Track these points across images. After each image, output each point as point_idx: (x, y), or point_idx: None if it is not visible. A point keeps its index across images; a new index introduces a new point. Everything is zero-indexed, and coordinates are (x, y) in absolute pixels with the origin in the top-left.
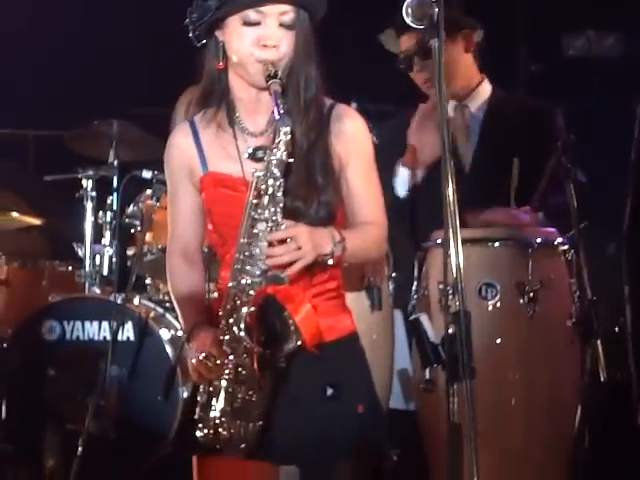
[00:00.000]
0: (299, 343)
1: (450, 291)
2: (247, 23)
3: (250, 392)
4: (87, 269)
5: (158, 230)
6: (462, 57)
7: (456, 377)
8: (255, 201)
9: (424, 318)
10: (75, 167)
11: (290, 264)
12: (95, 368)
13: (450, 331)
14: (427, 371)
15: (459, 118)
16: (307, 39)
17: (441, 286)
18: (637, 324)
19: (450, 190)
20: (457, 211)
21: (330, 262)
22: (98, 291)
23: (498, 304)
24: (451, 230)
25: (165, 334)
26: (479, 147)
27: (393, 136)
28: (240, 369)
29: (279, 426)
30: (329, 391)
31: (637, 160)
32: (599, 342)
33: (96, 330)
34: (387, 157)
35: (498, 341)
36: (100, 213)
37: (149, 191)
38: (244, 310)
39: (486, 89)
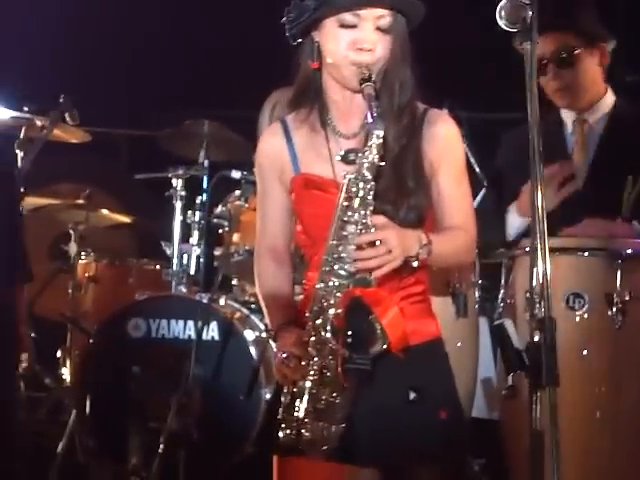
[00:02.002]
0: (385, 347)
1: (536, 298)
2: (343, 25)
3: (334, 394)
4: (174, 268)
5: (245, 231)
6: (595, 70)
7: (539, 384)
8: (345, 203)
9: (509, 323)
10: (166, 166)
11: (378, 267)
12: (179, 367)
13: (535, 338)
14: (510, 377)
15: (577, 132)
16: (403, 43)
17: (527, 294)
18: None
19: (539, 196)
20: (545, 218)
21: (415, 264)
22: (184, 290)
23: (586, 315)
24: (539, 237)
25: (250, 335)
26: (594, 163)
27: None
28: (325, 371)
29: (361, 429)
30: (412, 395)
31: None
32: None
33: (181, 329)
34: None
35: (585, 352)
36: (189, 213)
37: (237, 192)
38: (331, 312)
39: (608, 102)
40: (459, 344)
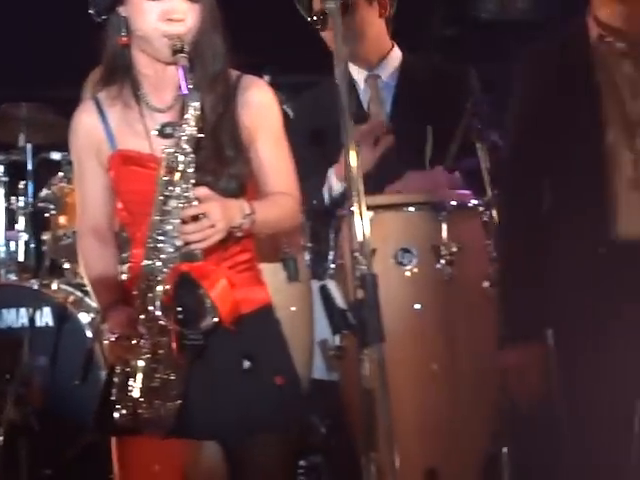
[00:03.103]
0: (216, 320)
1: (359, 256)
2: None
3: (168, 371)
4: (2, 256)
5: (72, 213)
6: (376, 21)
7: (366, 342)
8: (166, 178)
9: (331, 284)
10: None
11: (202, 240)
12: (14, 356)
13: (359, 296)
14: (337, 338)
15: (371, 89)
16: (212, 11)
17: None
18: None
19: (352, 156)
20: (360, 176)
21: (239, 234)
22: (14, 278)
23: (415, 269)
24: (356, 195)
25: (84, 318)
26: (392, 117)
27: (314, 105)
28: (157, 348)
29: (198, 403)
30: (246, 364)
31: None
32: None
33: (14, 317)
34: (306, 127)
35: (417, 307)
36: (12, 198)
37: (60, 174)
38: (159, 288)
39: (396, 56)
40: (293, 308)
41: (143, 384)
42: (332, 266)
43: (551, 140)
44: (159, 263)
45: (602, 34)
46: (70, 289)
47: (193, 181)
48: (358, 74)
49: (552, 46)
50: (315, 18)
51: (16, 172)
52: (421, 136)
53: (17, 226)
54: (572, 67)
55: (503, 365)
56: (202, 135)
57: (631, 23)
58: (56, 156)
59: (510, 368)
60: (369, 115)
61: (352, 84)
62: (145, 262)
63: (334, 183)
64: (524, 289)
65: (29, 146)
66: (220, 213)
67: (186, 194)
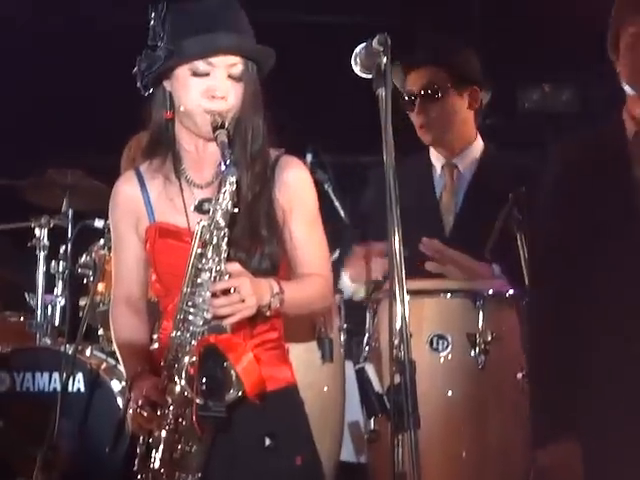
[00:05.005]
0: (240, 393)
1: (397, 341)
2: (196, 74)
3: (190, 443)
4: (38, 319)
5: (110, 280)
6: (463, 112)
7: (401, 427)
8: (199, 251)
9: (369, 367)
10: (27, 216)
11: (231, 314)
12: (45, 420)
13: (396, 381)
14: (372, 421)
15: (447, 178)
16: (255, 91)
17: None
18: None
19: (396, 240)
20: (403, 262)
21: (267, 314)
22: (49, 342)
23: (449, 356)
24: (397, 280)
25: (116, 386)
26: (462, 209)
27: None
28: (180, 419)
29: (218, 477)
30: (267, 442)
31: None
32: None
33: (46, 381)
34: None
35: (449, 393)
36: (52, 263)
37: (101, 241)
38: (186, 360)
39: (478, 147)
40: (325, 388)
41: (164, 455)
42: (367, 349)
43: (586, 236)
44: (187, 335)
45: (639, 131)
46: (103, 356)
47: (226, 255)
48: (437, 160)
49: (586, 141)
50: (406, 98)
51: (57, 237)
52: (486, 233)
53: (55, 290)
54: (607, 162)
55: (537, 465)
56: (236, 210)
57: None
58: (99, 224)
59: (544, 468)
60: (439, 203)
61: (429, 167)
62: (174, 333)
63: (347, 286)
64: (557, 386)
65: (71, 212)
66: (251, 289)
67: (218, 268)
